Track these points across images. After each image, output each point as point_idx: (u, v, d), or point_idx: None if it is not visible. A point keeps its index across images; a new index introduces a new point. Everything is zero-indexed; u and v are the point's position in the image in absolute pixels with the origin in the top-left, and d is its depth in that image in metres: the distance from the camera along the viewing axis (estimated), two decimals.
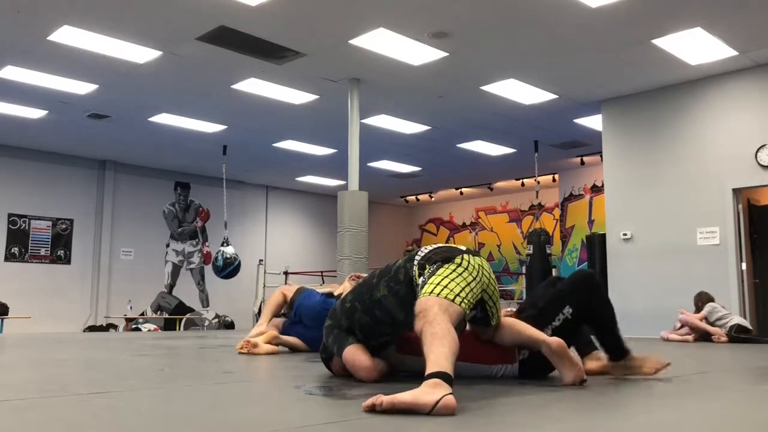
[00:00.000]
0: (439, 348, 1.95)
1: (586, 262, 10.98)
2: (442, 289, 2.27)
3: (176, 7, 6.35)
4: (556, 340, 2.47)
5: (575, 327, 2.73)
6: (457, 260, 2.43)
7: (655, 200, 8.47)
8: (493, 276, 2.56)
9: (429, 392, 1.79)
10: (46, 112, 9.56)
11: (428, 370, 1.89)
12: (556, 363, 2.49)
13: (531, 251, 10.08)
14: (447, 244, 2.59)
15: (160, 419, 1.78)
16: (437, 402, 1.74)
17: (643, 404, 2.03)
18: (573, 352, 2.61)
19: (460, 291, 2.30)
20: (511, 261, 15.65)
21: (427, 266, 2.45)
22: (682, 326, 7.10)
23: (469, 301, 2.31)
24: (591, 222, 13.34)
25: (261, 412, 1.87)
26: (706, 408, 2.09)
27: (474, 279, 2.39)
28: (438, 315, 2.11)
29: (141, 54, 7.44)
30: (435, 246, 2.60)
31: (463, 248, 2.54)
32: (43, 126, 10.25)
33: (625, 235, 8.68)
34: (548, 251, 10.09)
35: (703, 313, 6.91)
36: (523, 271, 11.94)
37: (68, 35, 6.93)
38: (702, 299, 7.10)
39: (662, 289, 8.09)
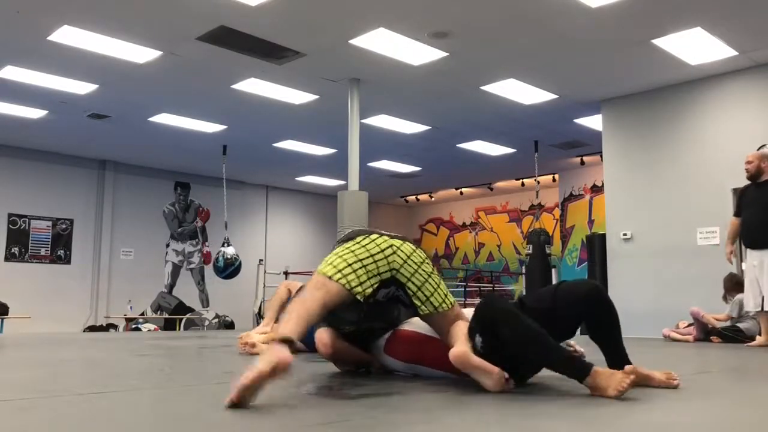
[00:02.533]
0: (287, 320, 2.10)
1: (586, 262, 10.98)
2: (326, 267, 2.33)
3: (176, 7, 6.35)
4: (452, 355, 2.27)
5: (506, 353, 2.29)
6: (358, 239, 2.44)
7: (655, 200, 8.47)
8: (420, 261, 2.44)
9: (265, 360, 1.90)
10: (46, 112, 9.56)
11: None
12: (469, 374, 2.30)
13: (531, 251, 10.08)
14: (372, 228, 2.56)
15: (160, 419, 1.78)
16: (274, 365, 1.87)
17: (641, 405, 2.03)
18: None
19: (344, 267, 2.31)
20: (511, 261, 15.65)
21: (336, 246, 2.51)
22: (688, 325, 7.08)
23: (356, 277, 2.29)
24: (591, 222, 13.34)
25: (261, 411, 1.87)
26: (705, 409, 2.09)
27: (371, 256, 2.36)
28: (305, 293, 2.24)
29: (141, 54, 7.44)
30: (357, 227, 2.61)
31: (384, 233, 2.51)
32: (43, 126, 10.25)
33: (625, 235, 8.68)
34: (548, 251, 10.10)
35: (731, 311, 6.81)
36: (523, 271, 11.94)
37: (68, 35, 6.93)
38: (731, 282, 6.87)
39: (662, 289, 8.08)
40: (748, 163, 5.99)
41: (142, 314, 12.56)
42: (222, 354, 4.34)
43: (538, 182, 11.72)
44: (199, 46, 7.22)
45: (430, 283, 2.46)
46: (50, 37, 6.97)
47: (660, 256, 8.27)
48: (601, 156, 9.37)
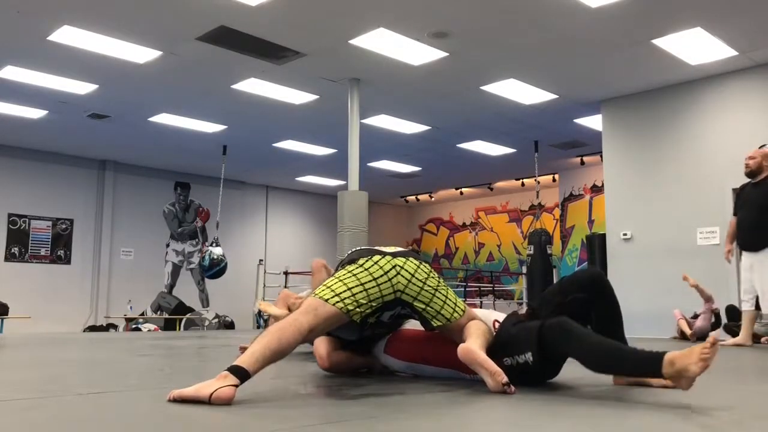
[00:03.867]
0: (254, 346, 2.10)
1: (586, 262, 10.98)
2: (324, 290, 2.32)
3: (176, 7, 6.34)
4: (460, 349, 2.28)
5: (544, 370, 2.40)
6: (361, 261, 2.41)
7: (655, 200, 8.47)
8: (425, 276, 2.42)
9: (210, 384, 1.96)
10: (46, 112, 9.56)
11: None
12: (474, 370, 2.31)
13: (531, 251, 10.08)
14: (373, 247, 2.52)
15: (160, 419, 1.78)
16: (212, 393, 1.92)
17: (643, 405, 2.03)
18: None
19: (343, 291, 2.29)
20: (511, 261, 15.65)
21: (339, 268, 2.49)
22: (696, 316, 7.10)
23: (354, 301, 2.28)
24: (591, 222, 13.34)
25: (261, 411, 1.87)
26: (706, 408, 2.09)
27: (374, 279, 2.34)
28: (290, 316, 2.22)
29: (141, 54, 7.44)
30: (358, 248, 2.58)
31: (389, 250, 2.47)
32: (43, 126, 10.25)
33: (625, 235, 8.67)
34: (548, 251, 10.10)
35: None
36: (524, 271, 11.95)
37: (68, 35, 6.93)
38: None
39: (662, 289, 8.08)
40: (751, 158, 5.86)
41: (142, 314, 12.55)
42: (222, 354, 4.34)
43: (538, 182, 11.72)
44: (199, 46, 7.22)
45: (438, 297, 2.44)
46: (50, 37, 6.97)
47: (660, 256, 8.27)
48: (601, 156, 9.36)
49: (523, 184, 14.40)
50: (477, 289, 14.86)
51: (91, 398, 2.13)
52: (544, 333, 2.30)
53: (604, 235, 9.10)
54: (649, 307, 7.96)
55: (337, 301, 2.27)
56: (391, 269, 2.39)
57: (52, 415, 1.81)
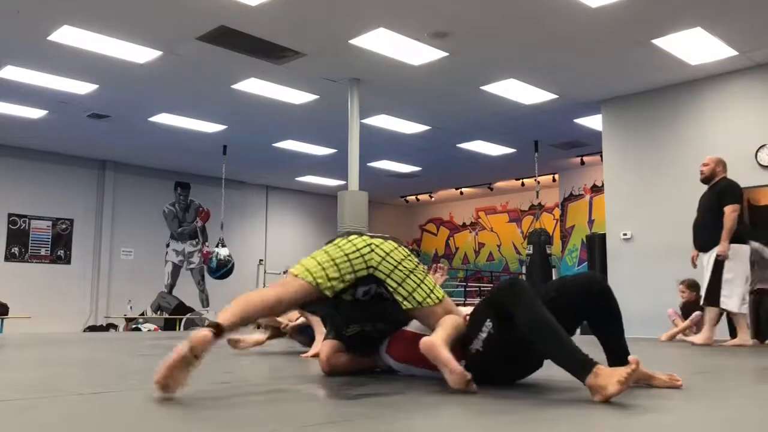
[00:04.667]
0: (225, 309, 2.20)
1: (586, 262, 10.97)
2: (297, 266, 2.43)
3: (176, 7, 6.35)
4: (422, 342, 2.25)
5: (512, 343, 2.26)
6: (336, 240, 2.53)
7: (655, 200, 8.47)
8: (401, 258, 2.46)
9: (185, 343, 2.01)
10: (46, 112, 9.56)
11: None
12: (436, 366, 2.26)
13: (531, 251, 10.08)
14: (354, 232, 2.59)
15: (160, 419, 1.78)
16: (190, 343, 1.99)
17: (643, 406, 2.03)
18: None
19: (313, 266, 2.39)
20: (511, 261, 15.65)
21: None
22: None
23: (324, 275, 2.37)
24: (591, 222, 13.34)
25: (261, 412, 1.87)
26: (708, 408, 2.09)
27: (345, 255, 2.43)
28: (259, 290, 2.35)
29: (141, 54, 7.44)
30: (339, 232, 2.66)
31: (366, 233, 2.55)
32: (43, 126, 10.25)
33: (625, 235, 8.67)
34: (548, 251, 10.10)
35: None
36: (523, 271, 11.95)
37: (68, 35, 6.93)
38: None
39: (662, 289, 8.07)
40: (705, 165, 5.98)
41: (142, 314, 12.56)
42: (222, 354, 4.34)
43: (538, 182, 11.72)
44: (199, 46, 7.22)
45: (412, 279, 2.47)
46: (50, 37, 6.97)
47: (660, 256, 8.27)
48: (601, 156, 9.37)
49: (523, 184, 14.40)
50: (477, 289, 14.86)
51: (91, 398, 2.13)
52: (497, 293, 2.35)
53: (604, 235, 9.10)
54: (648, 307, 7.95)
55: (306, 275, 2.37)
56: (364, 246, 2.47)
57: (52, 415, 1.81)
